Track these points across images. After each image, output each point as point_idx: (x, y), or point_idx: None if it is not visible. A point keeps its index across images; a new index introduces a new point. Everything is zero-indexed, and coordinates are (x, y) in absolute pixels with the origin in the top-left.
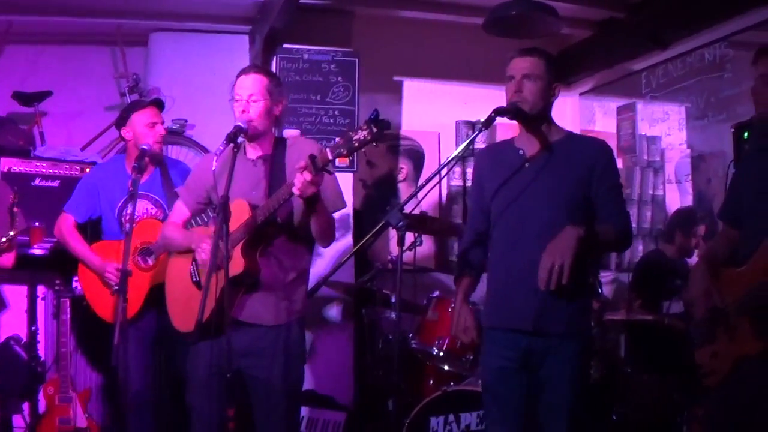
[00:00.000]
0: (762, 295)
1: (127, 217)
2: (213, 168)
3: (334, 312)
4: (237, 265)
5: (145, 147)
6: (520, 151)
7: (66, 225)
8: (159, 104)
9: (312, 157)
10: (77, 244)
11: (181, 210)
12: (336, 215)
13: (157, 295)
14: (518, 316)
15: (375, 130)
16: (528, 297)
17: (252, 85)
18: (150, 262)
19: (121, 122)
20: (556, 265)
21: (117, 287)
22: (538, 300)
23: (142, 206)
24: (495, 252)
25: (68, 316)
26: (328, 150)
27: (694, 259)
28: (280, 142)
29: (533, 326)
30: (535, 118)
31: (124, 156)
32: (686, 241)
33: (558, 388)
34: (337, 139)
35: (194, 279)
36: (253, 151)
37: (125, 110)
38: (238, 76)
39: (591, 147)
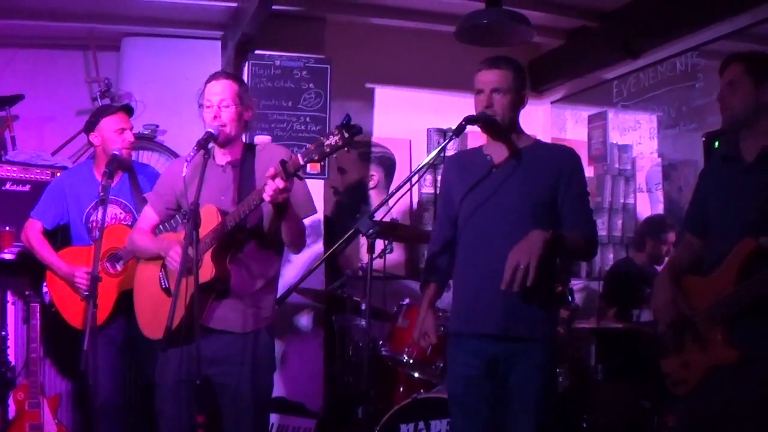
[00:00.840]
0: (735, 304)
1: (95, 223)
2: (184, 174)
3: (304, 319)
4: (207, 271)
5: (116, 152)
6: (488, 158)
7: (33, 231)
8: (128, 110)
9: (283, 163)
10: (44, 251)
11: (149, 216)
12: (307, 221)
13: (125, 301)
14: (486, 320)
15: (347, 135)
16: (496, 301)
17: (222, 90)
18: (118, 267)
19: (89, 127)
20: (521, 265)
21: (87, 293)
22: (506, 304)
23: (111, 211)
24: (462, 258)
25: (38, 321)
26: (299, 155)
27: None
28: (250, 148)
29: (501, 330)
30: (505, 127)
31: (92, 161)
32: (657, 248)
33: (526, 396)
34: (309, 144)
35: (163, 285)
36: (222, 157)
37: (94, 115)
38: (208, 82)
39: (558, 154)
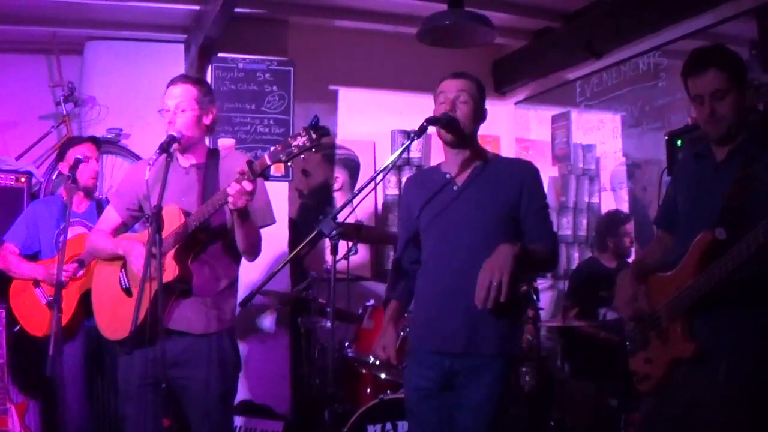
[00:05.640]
0: (690, 296)
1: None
2: (146, 178)
3: (270, 321)
4: (170, 271)
5: (79, 157)
6: (447, 176)
7: (10, 254)
8: (95, 141)
9: (250, 163)
10: (24, 269)
11: (111, 217)
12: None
13: (87, 302)
14: (448, 338)
15: (314, 136)
16: (458, 319)
17: (180, 95)
18: (80, 272)
19: (59, 157)
20: (494, 282)
21: (51, 298)
22: (469, 322)
23: (77, 232)
24: (425, 275)
25: (3, 327)
26: (266, 155)
27: (632, 259)
28: (214, 153)
29: (463, 348)
30: (465, 138)
31: (63, 193)
32: (620, 243)
33: (480, 409)
34: (276, 145)
35: (124, 286)
36: (185, 160)
37: (63, 146)
38: (168, 86)
39: (518, 169)
